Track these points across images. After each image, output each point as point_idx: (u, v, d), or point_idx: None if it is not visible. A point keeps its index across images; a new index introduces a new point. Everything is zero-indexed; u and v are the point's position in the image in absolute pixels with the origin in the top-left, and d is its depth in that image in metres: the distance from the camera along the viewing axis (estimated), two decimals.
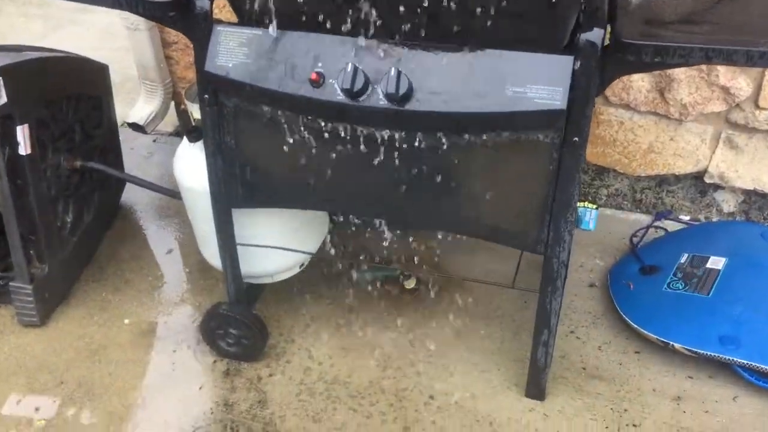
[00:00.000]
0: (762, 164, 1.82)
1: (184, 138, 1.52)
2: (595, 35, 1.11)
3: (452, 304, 1.75)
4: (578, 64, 1.12)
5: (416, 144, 1.23)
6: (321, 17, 1.17)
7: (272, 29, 1.20)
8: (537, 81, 1.13)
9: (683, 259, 1.75)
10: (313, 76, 1.19)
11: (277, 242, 1.52)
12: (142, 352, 1.64)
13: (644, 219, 2.01)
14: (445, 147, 1.22)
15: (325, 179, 1.33)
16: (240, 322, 1.53)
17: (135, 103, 2.19)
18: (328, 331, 1.69)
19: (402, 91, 1.16)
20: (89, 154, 1.84)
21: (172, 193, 1.79)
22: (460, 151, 1.22)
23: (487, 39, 1.13)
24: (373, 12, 1.13)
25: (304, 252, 1.57)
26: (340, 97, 1.19)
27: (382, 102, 1.18)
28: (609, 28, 1.13)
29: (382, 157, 1.26)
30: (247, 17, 1.26)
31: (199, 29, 1.26)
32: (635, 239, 1.92)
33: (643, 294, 1.69)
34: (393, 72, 1.16)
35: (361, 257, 1.77)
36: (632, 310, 1.66)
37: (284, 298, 1.74)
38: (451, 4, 1.09)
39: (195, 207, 1.54)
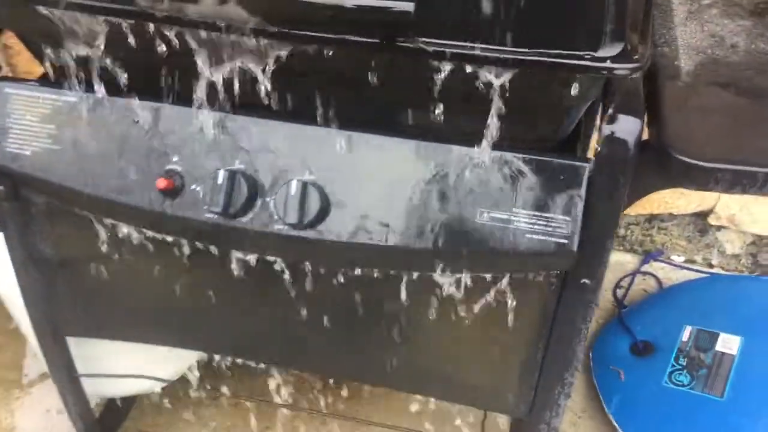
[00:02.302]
0: None
1: None
2: (627, 129, 0.67)
3: (393, 410, 1.34)
4: (596, 176, 0.68)
5: (332, 279, 0.79)
6: (178, 78, 0.70)
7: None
8: (529, 202, 0.69)
9: (685, 335, 1.36)
10: (162, 182, 0.72)
11: (133, 362, 1.06)
12: None
13: (629, 260, 1.62)
14: (378, 284, 0.78)
15: (196, 314, 0.88)
16: None
17: None
18: None
19: (310, 214, 0.70)
20: None
21: None
22: (400, 291, 0.78)
23: (451, 129, 0.69)
24: (265, 74, 0.66)
25: (160, 380, 1.10)
26: (210, 215, 0.73)
27: (279, 226, 0.72)
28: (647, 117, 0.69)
29: (278, 290, 0.81)
30: (55, 70, 0.77)
31: None
32: (619, 292, 1.54)
33: (637, 389, 1.31)
34: (294, 187, 0.70)
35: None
36: (625, 415, 1.28)
37: (165, 404, 1.29)
38: (397, 69, 0.63)
39: (21, 320, 1.06)
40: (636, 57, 0.59)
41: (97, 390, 1.09)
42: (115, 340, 0.95)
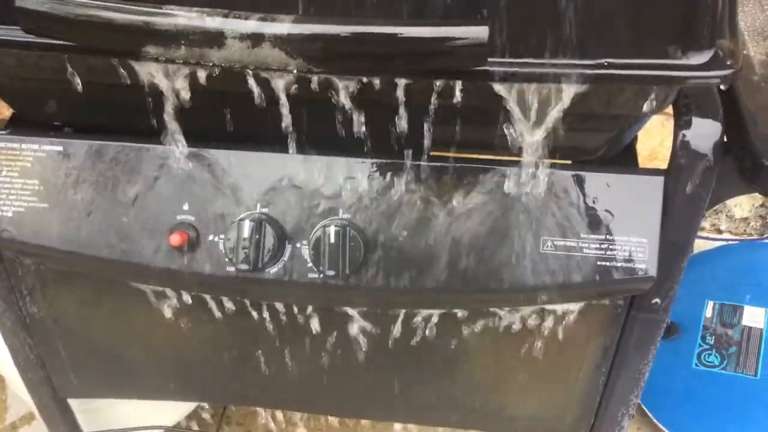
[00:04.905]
0: None
1: None
2: (705, 134, 0.59)
3: None
4: (673, 189, 0.60)
5: (375, 320, 0.70)
6: (181, 115, 0.60)
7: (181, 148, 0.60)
8: (598, 225, 0.61)
9: (708, 310, 1.31)
10: (175, 238, 0.62)
11: (137, 410, 0.97)
12: None
13: None
14: (427, 324, 0.70)
15: (219, 367, 0.78)
16: None
17: None
18: None
19: (351, 262, 0.61)
20: None
21: None
22: (453, 329, 0.70)
23: (503, 149, 0.60)
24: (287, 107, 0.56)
25: (165, 427, 1.00)
26: (233, 269, 0.63)
27: (312, 274, 0.63)
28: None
29: (306, 335, 0.72)
30: (33, 109, 0.66)
31: None
32: None
33: (667, 374, 1.26)
34: (332, 231, 0.60)
35: None
36: (658, 402, 1.23)
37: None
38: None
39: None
40: (730, 62, 0.51)
41: None
42: (120, 399, 0.85)
